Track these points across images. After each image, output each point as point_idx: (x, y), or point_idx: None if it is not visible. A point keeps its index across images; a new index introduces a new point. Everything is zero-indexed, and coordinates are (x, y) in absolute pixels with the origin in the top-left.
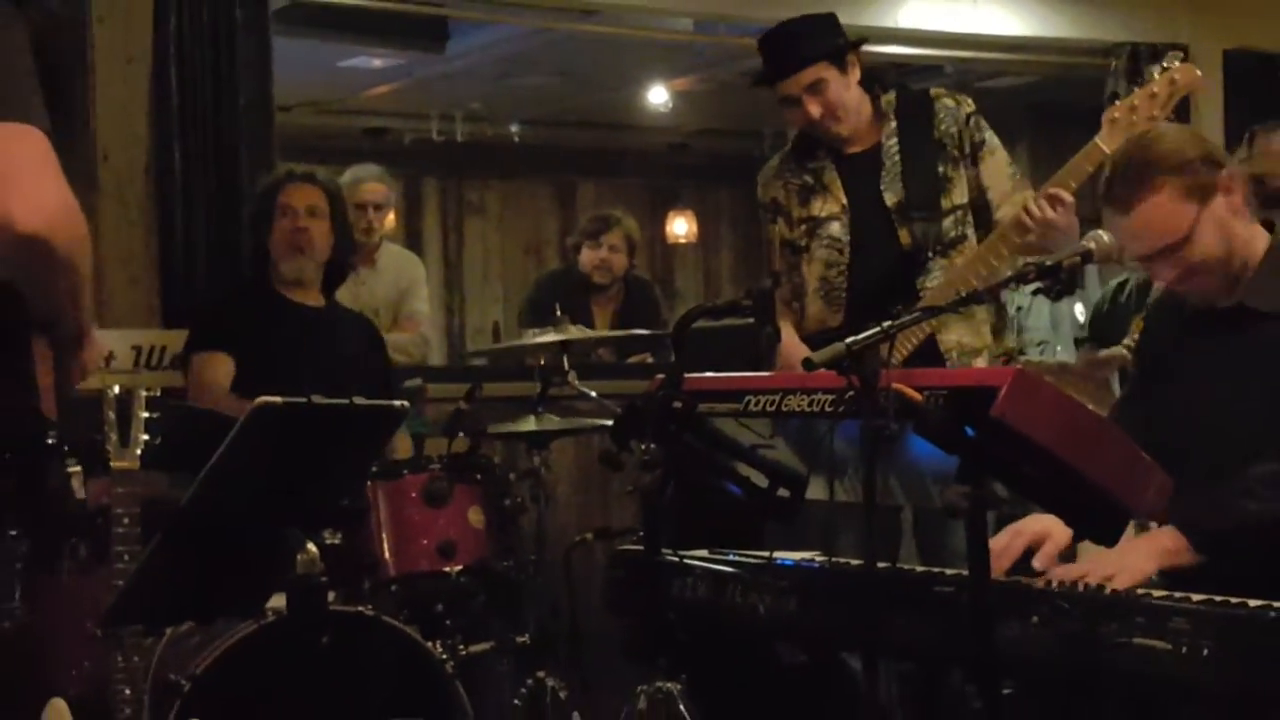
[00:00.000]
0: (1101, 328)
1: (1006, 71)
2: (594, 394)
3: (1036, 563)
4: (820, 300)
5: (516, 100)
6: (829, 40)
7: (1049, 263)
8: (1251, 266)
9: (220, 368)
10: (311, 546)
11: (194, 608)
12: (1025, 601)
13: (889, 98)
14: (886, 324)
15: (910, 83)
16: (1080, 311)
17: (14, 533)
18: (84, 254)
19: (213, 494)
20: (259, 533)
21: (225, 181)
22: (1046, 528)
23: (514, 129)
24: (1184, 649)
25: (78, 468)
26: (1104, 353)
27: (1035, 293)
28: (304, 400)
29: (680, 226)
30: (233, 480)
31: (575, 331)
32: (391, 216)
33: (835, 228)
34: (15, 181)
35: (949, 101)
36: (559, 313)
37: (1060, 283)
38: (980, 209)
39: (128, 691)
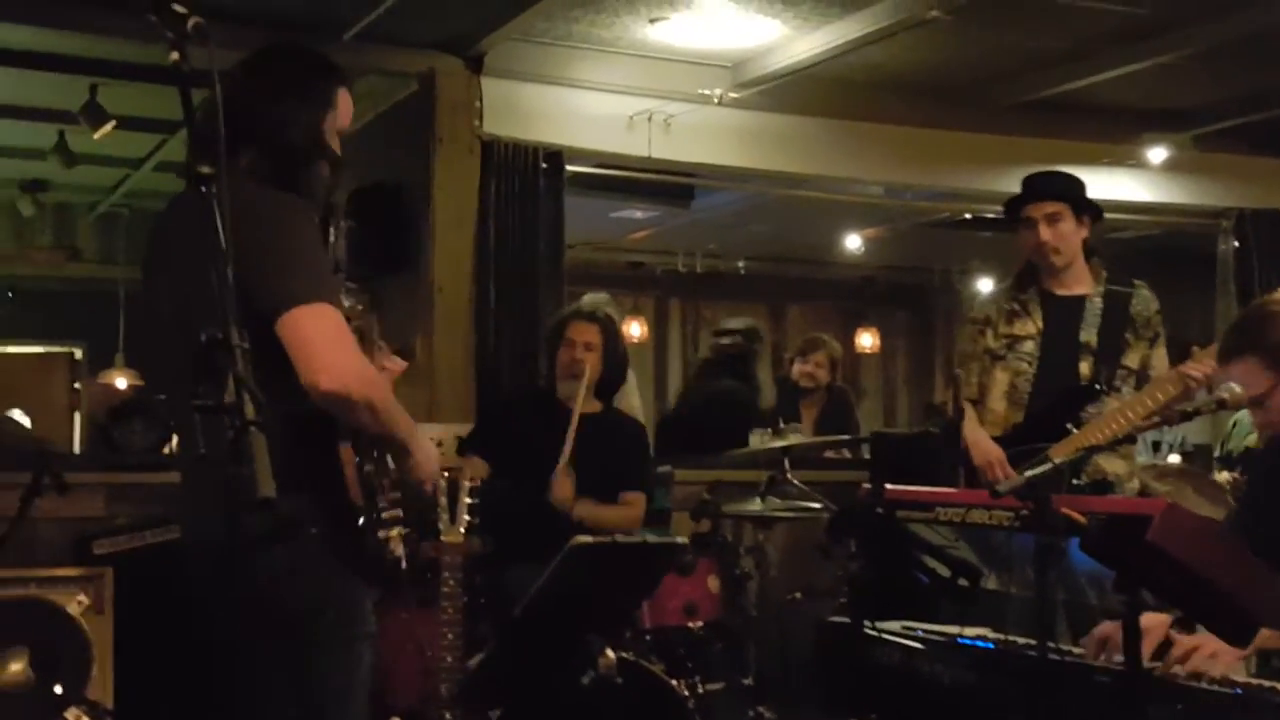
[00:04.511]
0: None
1: (1131, 227)
2: (798, 484)
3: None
4: (1006, 400)
5: (743, 243)
6: (1077, 193)
7: (1190, 408)
8: None
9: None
10: (610, 652)
11: (516, 693)
12: (1172, 691)
13: (1104, 271)
14: (1059, 460)
15: None
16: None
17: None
18: (378, 395)
19: (538, 608)
20: (570, 637)
21: (527, 308)
22: (1146, 625)
23: (740, 264)
24: None
25: (394, 531)
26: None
27: None
28: (609, 539)
29: (866, 340)
30: (553, 598)
31: (795, 438)
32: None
33: (1029, 345)
34: (318, 354)
35: (1145, 293)
36: (782, 424)
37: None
38: (1141, 382)
39: (448, 715)
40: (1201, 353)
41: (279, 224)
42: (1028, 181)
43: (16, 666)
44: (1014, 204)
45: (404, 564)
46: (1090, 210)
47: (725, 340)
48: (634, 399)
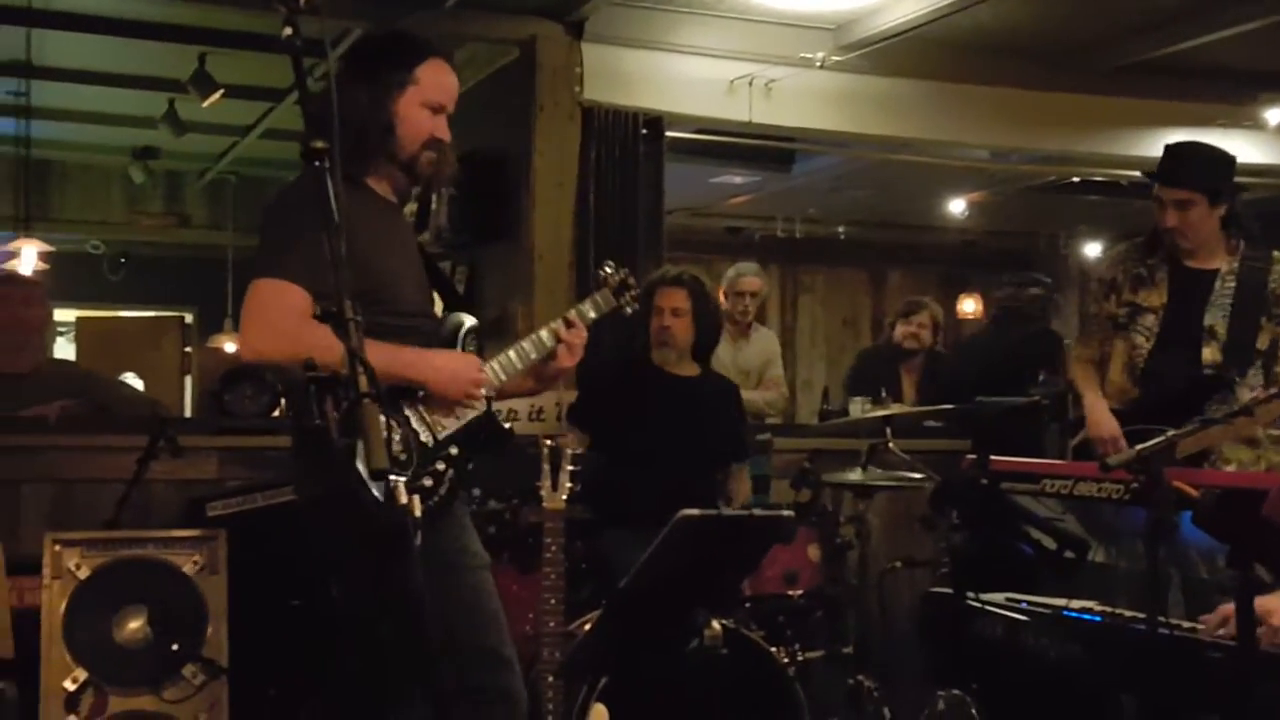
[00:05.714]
0: None
1: (1248, 190)
2: (899, 453)
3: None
4: (1124, 373)
5: (842, 208)
6: (1215, 178)
7: None
8: None
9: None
10: (715, 624)
11: (625, 663)
12: None
13: (1241, 243)
14: (1171, 433)
15: None
16: None
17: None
18: (323, 355)
19: (644, 580)
20: (676, 611)
21: None
22: (1268, 608)
23: (840, 229)
24: None
25: (400, 478)
26: None
27: None
28: (715, 511)
29: (969, 305)
30: (659, 570)
31: (896, 408)
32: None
33: (1150, 319)
34: (241, 327)
35: None
36: (884, 393)
37: None
38: (1269, 362)
39: (550, 679)
40: None
41: (268, 209)
42: (1167, 156)
43: (135, 624)
44: (1150, 177)
45: (417, 511)
46: (1229, 194)
47: (1031, 290)
48: (779, 370)
